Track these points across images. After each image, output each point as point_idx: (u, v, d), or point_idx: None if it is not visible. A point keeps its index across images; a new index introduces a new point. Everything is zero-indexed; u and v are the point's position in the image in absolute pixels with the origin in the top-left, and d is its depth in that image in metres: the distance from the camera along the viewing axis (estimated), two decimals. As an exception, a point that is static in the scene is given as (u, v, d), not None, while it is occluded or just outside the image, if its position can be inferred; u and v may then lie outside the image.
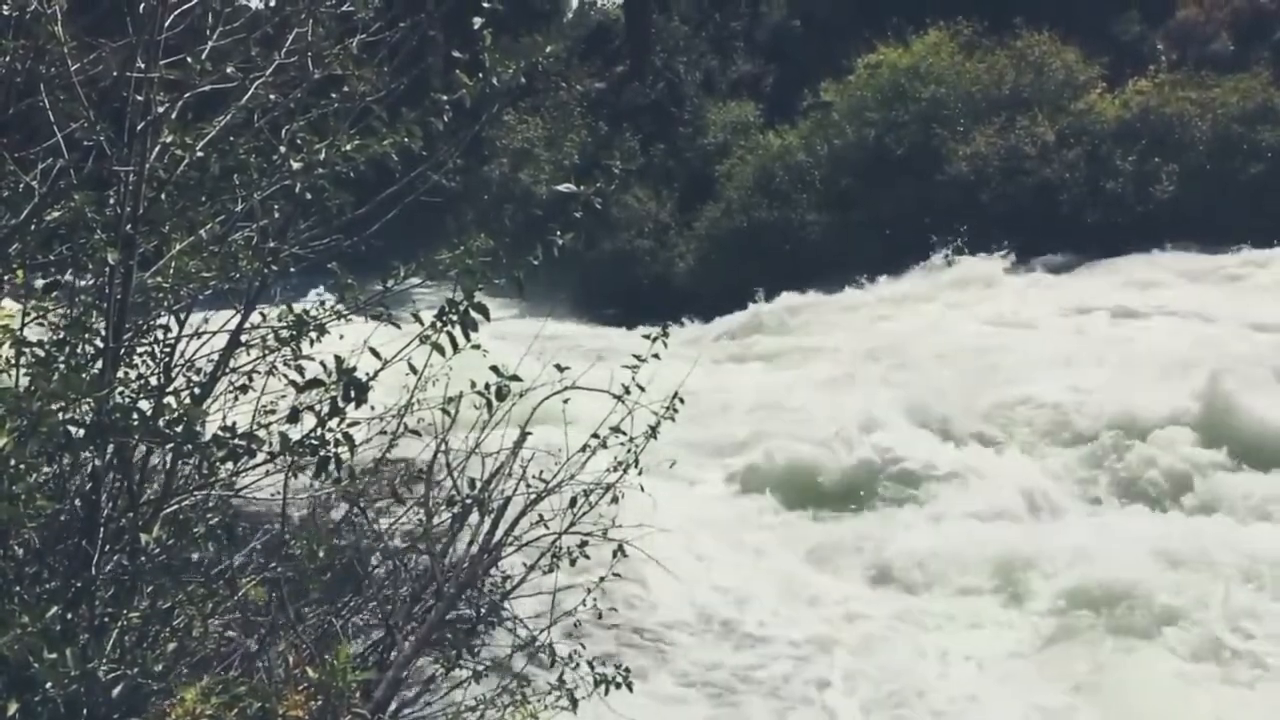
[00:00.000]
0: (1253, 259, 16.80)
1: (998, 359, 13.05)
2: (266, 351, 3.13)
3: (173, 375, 2.98)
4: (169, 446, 2.51)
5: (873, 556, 8.53)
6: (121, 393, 2.67)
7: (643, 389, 3.81)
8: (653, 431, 3.87)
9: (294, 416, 2.72)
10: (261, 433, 2.65)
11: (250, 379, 3.29)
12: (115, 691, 2.21)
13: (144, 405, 2.52)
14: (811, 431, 10.89)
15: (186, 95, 2.76)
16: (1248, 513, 8.86)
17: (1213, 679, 6.67)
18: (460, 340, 2.86)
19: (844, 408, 11.37)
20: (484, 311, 2.85)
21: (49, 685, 2.09)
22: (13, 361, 2.59)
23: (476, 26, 2.99)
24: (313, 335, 2.97)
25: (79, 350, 2.58)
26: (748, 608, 7.63)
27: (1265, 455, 9.79)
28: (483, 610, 3.63)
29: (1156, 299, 15.49)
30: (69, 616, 2.43)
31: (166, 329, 3.05)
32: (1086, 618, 7.37)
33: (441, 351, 2.88)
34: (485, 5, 3.02)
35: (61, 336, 2.60)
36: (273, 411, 3.14)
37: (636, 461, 3.81)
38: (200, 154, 2.77)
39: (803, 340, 16.27)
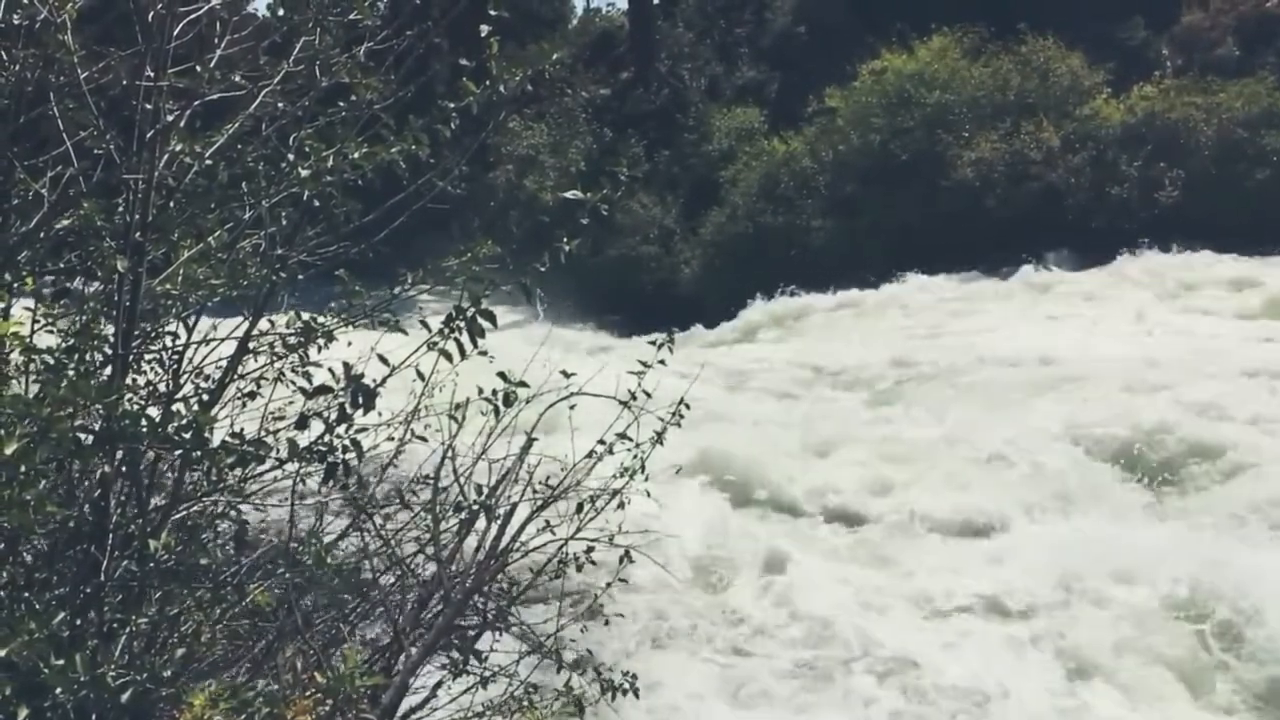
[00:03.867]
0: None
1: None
2: (275, 358, 3.15)
3: (181, 382, 2.99)
4: (178, 453, 2.52)
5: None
6: (130, 399, 2.68)
7: (649, 395, 3.82)
8: (659, 437, 3.87)
9: (302, 423, 2.73)
10: (270, 439, 2.66)
11: (258, 385, 3.30)
12: (124, 697, 2.21)
13: (153, 412, 2.53)
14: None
15: (195, 104, 2.77)
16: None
17: None
18: (467, 346, 2.87)
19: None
20: (491, 318, 2.86)
21: (58, 691, 2.09)
22: (22, 368, 2.61)
23: (483, 34, 3.00)
24: (320, 342, 2.99)
25: (88, 357, 2.59)
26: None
27: None
28: (490, 616, 3.63)
29: None
30: (78, 622, 2.43)
31: (175, 336, 3.06)
32: None
33: (449, 358, 2.89)
34: (491, 13, 3.04)
35: (71, 343, 2.61)
36: (281, 418, 3.15)
37: (643, 467, 3.81)
38: (209, 162, 2.78)
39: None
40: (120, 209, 2.67)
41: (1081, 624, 6.91)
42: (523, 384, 3.19)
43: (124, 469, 2.57)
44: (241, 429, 2.63)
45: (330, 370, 2.71)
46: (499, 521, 3.55)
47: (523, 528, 3.62)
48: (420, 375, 3.07)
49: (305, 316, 2.99)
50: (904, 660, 6.61)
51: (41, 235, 2.76)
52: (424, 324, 2.99)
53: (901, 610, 7.36)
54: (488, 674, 3.54)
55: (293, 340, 2.98)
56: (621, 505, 3.78)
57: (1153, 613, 6.92)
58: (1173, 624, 6.81)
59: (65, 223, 2.77)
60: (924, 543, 8.51)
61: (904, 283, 18.46)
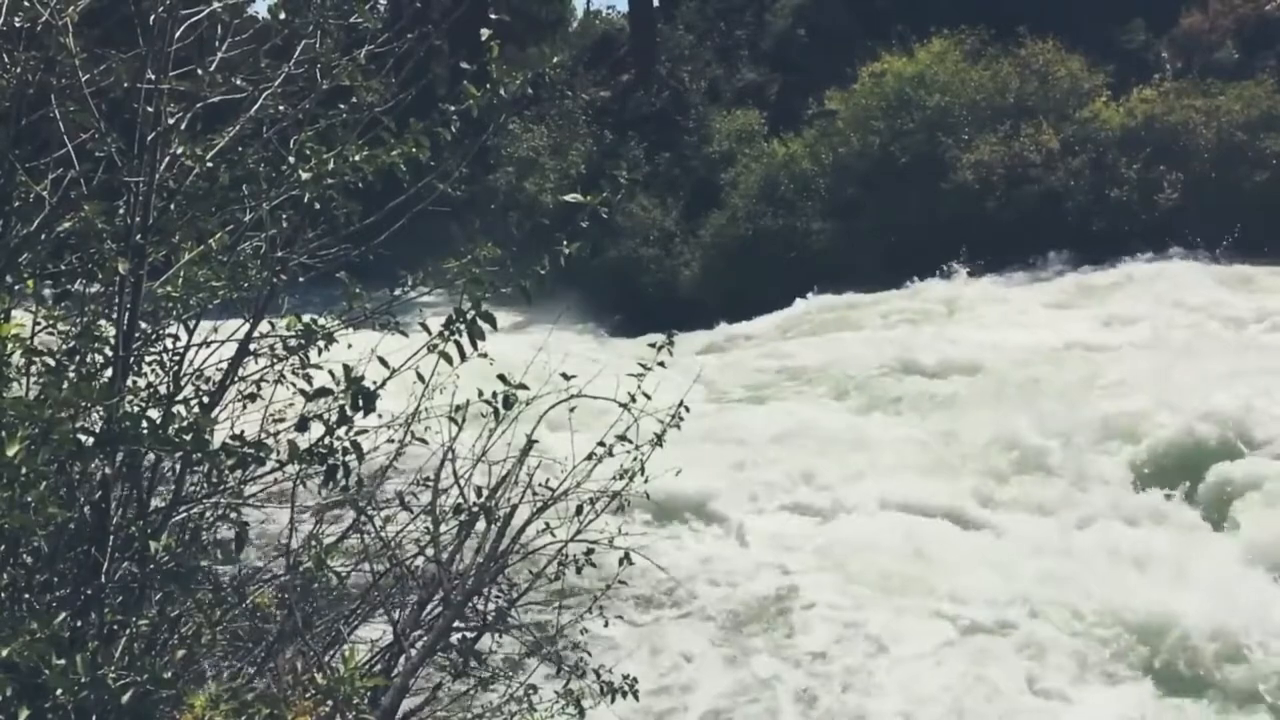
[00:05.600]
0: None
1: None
2: (275, 360, 3.15)
3: (182, 384, 2.99)
4: (178, 454, 2.53)
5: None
6: (131, 401, 2.68)
7: (648, 397, 3.82)
8: (658, 439, 3.88)
9: (302, 425, 2.73)
10: (270, 441, 2.67)
11: (259, 387, 3.30)
12: (124, 698, 2.21)
13: (153, 413, 2.53)
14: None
15: (196, 106, 2.78)
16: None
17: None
18: (467, 349, 2.88)
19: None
20: (491, 320, 2.86)
21: (58, 692, 2.10)
22: (23, 370, 2.61)
23: (483, 37, 3.01)
24: (321, 344, 2.99)
25: (89, 359, 2.60)
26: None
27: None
28: (489, 618, 3.64)
29: None
30: (78, 623, 2.44)
31: (176, 338, 3.07)
32: None
33: (449, 360, 2.90)
34: (492, 16, 3.04)
35: (72, 345, 2.62)
36: (281, 420, 3.15)
37: (642, 469, 3.81)
38: (209, 164, 2.79)
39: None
40: (121, 211, 2.68)
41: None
42: (522, 386, 3.20)
43: (124, 470, 2.58)
44: (242, 431, 2.64)
45: (330, 372, 2.71)
46: (499, 524, 3.56)
47: (522, 530, 3.62)
48: (420, 377, 3.08)
49: (306, 319, 3.00)
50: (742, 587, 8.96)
51: (43, 237, 2.77)
52: (424, 326, 3.00)
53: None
54: (488, 676, 3.54)
55: (293, 342, 2.98)
56: (621, 508, 3.79)
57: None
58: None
59: (66, 225, 2.78)
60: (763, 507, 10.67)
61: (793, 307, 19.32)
